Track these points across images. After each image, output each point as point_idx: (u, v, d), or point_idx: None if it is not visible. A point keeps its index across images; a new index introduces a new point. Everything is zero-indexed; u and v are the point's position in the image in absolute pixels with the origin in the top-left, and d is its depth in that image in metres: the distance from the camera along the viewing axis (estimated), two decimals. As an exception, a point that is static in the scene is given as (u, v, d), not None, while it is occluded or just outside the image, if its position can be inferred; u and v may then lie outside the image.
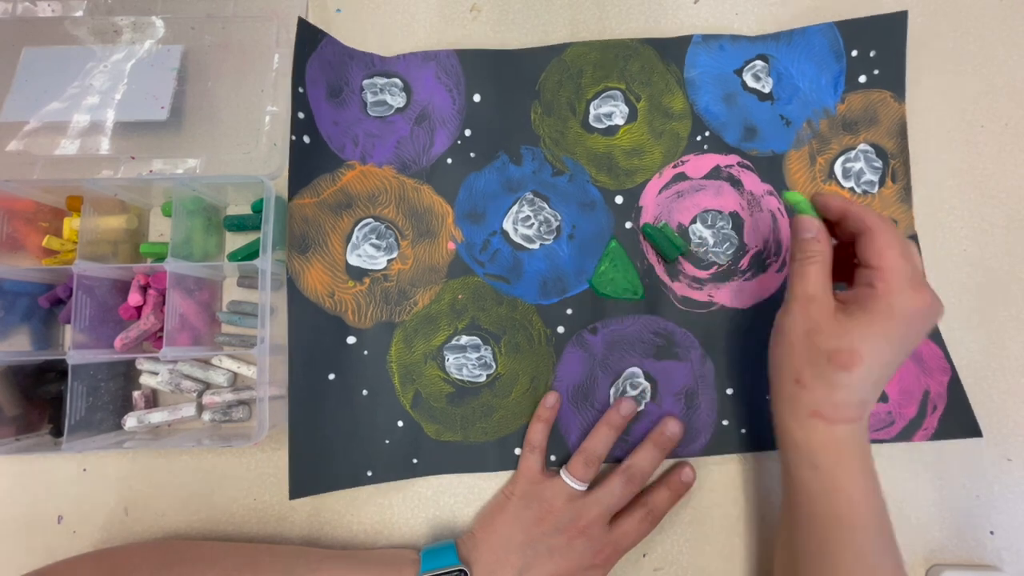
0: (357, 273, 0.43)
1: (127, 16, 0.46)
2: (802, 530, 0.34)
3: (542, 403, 0.42)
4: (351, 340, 0.42)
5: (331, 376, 0.42)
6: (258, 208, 0.44)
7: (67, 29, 0.45)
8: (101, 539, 0.41)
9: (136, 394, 0.42)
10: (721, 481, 0.42)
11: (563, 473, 0.39)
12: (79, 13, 0.46)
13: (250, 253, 0.43)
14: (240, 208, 0.45)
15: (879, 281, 0.32)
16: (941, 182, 0.46)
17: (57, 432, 0.41)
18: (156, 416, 0.41)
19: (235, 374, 0.42)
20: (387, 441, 0.41)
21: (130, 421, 0.41)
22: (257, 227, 0.44)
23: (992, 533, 0.41)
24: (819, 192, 0.36)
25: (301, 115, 0.44)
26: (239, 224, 0.44)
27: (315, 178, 0.44)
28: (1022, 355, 0.44)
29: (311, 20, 0.47)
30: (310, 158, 0.44)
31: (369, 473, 0.41)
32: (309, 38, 0.45)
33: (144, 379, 0.42)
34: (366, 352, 0.42)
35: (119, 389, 0.42)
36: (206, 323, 0.42)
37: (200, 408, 0.42)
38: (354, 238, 0.44)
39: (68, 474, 0.41)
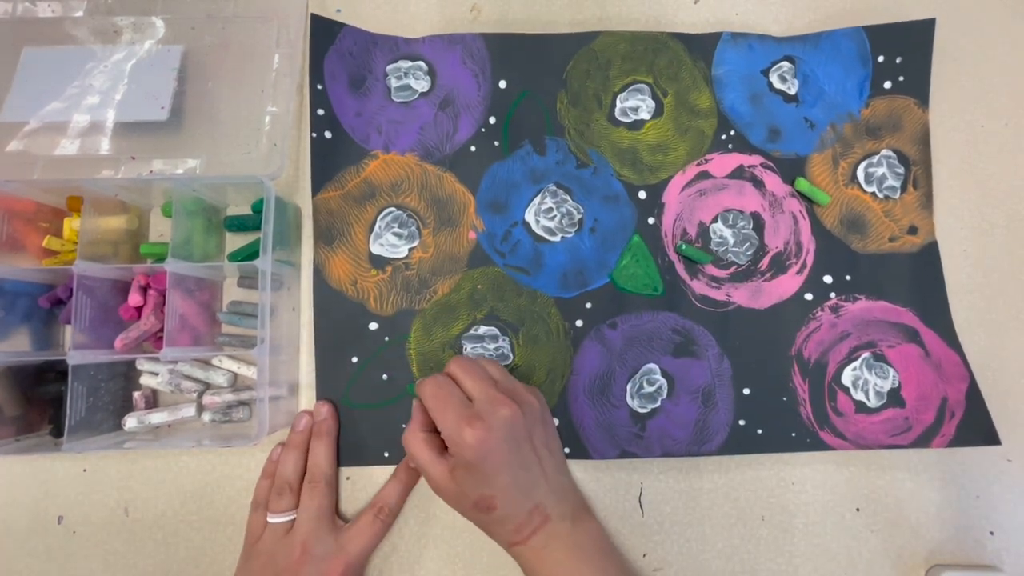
0: (379, 262, 0.44)
1: (127, 16, 0.46)
2: None
3: (268, 458, 0.41)
4: (373, 326, 0.43)
5: (354, 359, 0.43)
6: (258, 208, 0.44)
7: (67, 29, 0.45)
8: (101, 539, 0.41)
9: (136, 394, 0.42)
10: (721, 481, 0.42)
11: (268, 517, 0.39)
12: (79, 13, 0.46)
13: (250, 253, 0.43)
14: (240, 208, 0.45)
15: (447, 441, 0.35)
16: (941, 182, 0.46)
17: (57, 432, 0.41)
18: (156, 416, 0.41)
19: (235, 374, 0.42)
20: (404, 425, 0.42)
21: (130, 421, 0.41)
22: (257, 227, 0.44)
23: (992, 533, 0.41)
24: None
25: (320, 112, 0.44)
26: (239, 224, 0.44)
27: (339, 171, 0.44)
28: (1022, 355, 0.44)
29: (311, 20, 0.47)
30: (333, 153, 0.44)
31: (386, 454, 0.42)
32: (324, 33, 0.45)
33: (144, 379, 0.42)
34: (387, 338, 0.43)
35: (119, 389, 0.41)
36: (206, 323, 0.42)
37: (200, 408, 0.42)
38: (377, 227, 0.44)
39: (68, 474, 0.41)
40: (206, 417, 0.42)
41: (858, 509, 0.42)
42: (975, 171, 0.46)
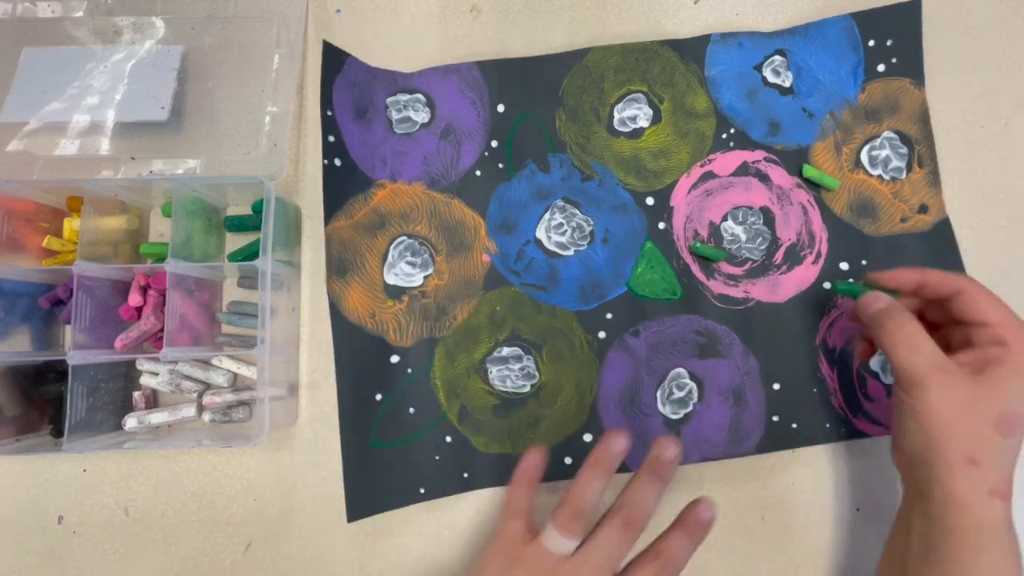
0: (395, 292, 0.43)
1: (127, 16, 0.46)
2: None
3: (522, 465, 0.36)
4: (394, 359, 0.42)
5: (378, 397, 0.42)
6: (258, 208, 0.44)
7: (67, 29, 0.45)
8: (101, 539, 0.41)
9: (136, 395, 0.42)
10: (721, 481, 0.42)
11: (548, 529, 0.32)
12: (79, 13, 0.46)
13: (250, 253, 0.43)
14: (240, 208, 0.45)
15: (1004, 335, 0.31)
16: (941, 182, 0.46)
17: (57, 432, 0.41)
18: (156, 417, 0.41)
19: (235, 374, 0.42)
20: (437, 457, 0.41)
21: (130, 422, 0.41)
22: (257, 227, 0.44)
23: (992, 533, 0.41)
24: (887, 273, 0.36)
25: (331, 138, 0.44)
26: (239, 224, 0.44)
27: (348, 200, 0.44)
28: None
29: (311, 20, 0.47)
30: (342, 181, 0.44)
31: (422, 490, 0.41)
32: (334, 60, 0.45)
33: (144, 379, 0.42)
34: (410, 370, 0.42)
35: (119, 389, 0.42)
36: (206, 324, 0.42)
37: (200, 408, 0.42)
38: (390, 257, 0.44)
39: (68, 474, 0.41)
40: (206, 417, 0.42)
41: (858, 509, 0.42)
42: (975, 172, 0.46)
